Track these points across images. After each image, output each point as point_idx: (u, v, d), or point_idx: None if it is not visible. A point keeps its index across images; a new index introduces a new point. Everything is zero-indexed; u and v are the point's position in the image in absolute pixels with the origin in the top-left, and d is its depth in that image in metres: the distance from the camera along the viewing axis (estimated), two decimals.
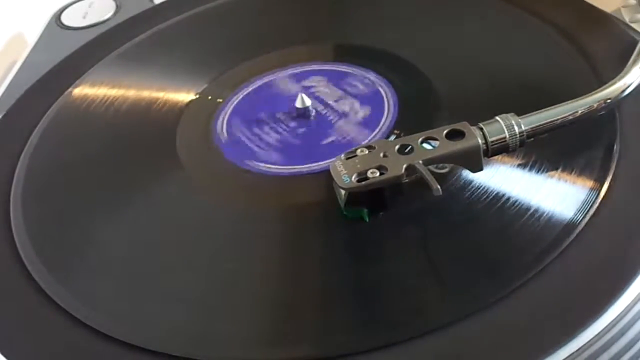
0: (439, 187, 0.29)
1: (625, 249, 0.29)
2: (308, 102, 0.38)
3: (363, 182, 0.30)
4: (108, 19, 0.53)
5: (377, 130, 0.37)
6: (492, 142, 0.31)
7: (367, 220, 0.31)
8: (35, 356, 0.30)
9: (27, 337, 0.30)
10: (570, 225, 0.30)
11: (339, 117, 0.38)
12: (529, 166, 0.33)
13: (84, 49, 0.49)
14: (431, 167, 0.30)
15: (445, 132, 0.31)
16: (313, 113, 0.38)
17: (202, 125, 0.39)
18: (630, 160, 0.32)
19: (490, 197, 0.31)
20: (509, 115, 0.31)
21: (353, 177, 0.30)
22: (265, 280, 0.31)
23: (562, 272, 0.28)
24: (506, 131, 0.31)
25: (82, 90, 0.44)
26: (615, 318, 0.27)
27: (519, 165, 0.33)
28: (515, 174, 0.32)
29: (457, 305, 0.28)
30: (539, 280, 0.28)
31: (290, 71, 0.42)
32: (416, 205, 0.32)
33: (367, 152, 0.31)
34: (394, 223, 0.31)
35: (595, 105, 0.32)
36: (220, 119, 0.40)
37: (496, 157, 0.32)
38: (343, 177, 0.30)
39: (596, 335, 0.27)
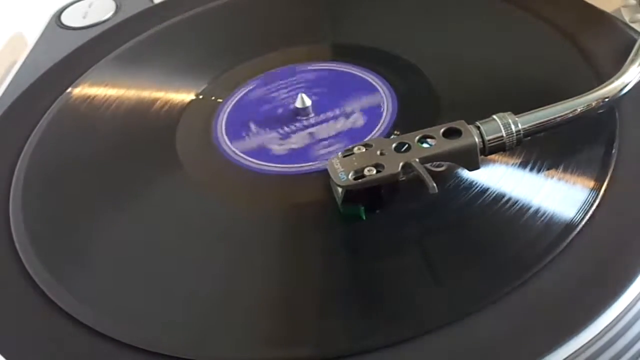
0: (434, 185, 0.29)
1: (625, 249, 0.29)
2: (308, 101, 0.38)
3: (360, 180, 0.30)
4: (108, 19, 0.53)
5: (376, 130, 0.37)
6: (488, 140, 0.31)
7: (364, 218, 0.31)
8: (35, 356, 0.30)
9: (27, 337, 0.30)
10: (570, 225, 0.30)
11: (338, 117, 0.38)
12: (528, 166, 0.33)
13: (83, 49, 0.49)
14: (428, 165, 0.30)
15: (442, 130, 0.31)
16: (313, 112, 0.38)
17: (202, 125, 0.39)
18: (630, 159, 0.32)
19: (490, 196, 0.31)
20: (506, 114, 0.31)
21: (350, 174, 0.30)
22: (265, 280, 0.31)
23: (562, 271, 0.28)
24: (503, 130, 0.31)
25: (82, 90, 0.44)
26: (615, 318, 0.27)
27: (518, 164, 0.33)
28: (515, 174, 0.32)
29: (456, 305, 0.28)
30: (538, 280, 0.28)
31: (290, 71, 0.42)
32: (413, 204, 0.31)
33: (364, 149, 0.31)
34: (392, 222, 0.31)
35: (593, 104, 0.32)
36: (220, 118, 0.40)
37: (496, 156, 0.32)
38: (340, 175, 0.30)
39: (596, 336, 0.27)
